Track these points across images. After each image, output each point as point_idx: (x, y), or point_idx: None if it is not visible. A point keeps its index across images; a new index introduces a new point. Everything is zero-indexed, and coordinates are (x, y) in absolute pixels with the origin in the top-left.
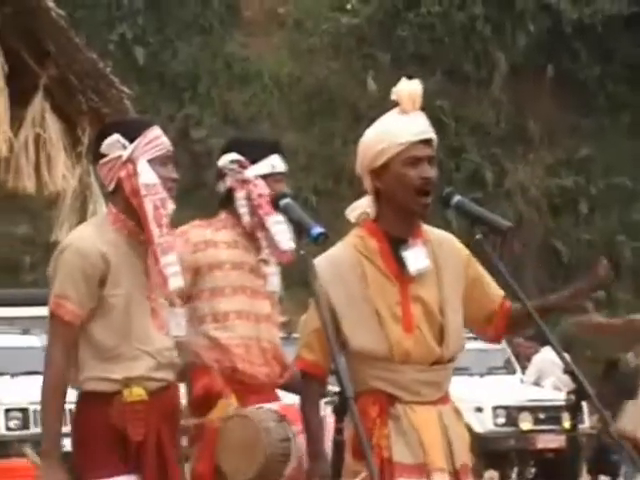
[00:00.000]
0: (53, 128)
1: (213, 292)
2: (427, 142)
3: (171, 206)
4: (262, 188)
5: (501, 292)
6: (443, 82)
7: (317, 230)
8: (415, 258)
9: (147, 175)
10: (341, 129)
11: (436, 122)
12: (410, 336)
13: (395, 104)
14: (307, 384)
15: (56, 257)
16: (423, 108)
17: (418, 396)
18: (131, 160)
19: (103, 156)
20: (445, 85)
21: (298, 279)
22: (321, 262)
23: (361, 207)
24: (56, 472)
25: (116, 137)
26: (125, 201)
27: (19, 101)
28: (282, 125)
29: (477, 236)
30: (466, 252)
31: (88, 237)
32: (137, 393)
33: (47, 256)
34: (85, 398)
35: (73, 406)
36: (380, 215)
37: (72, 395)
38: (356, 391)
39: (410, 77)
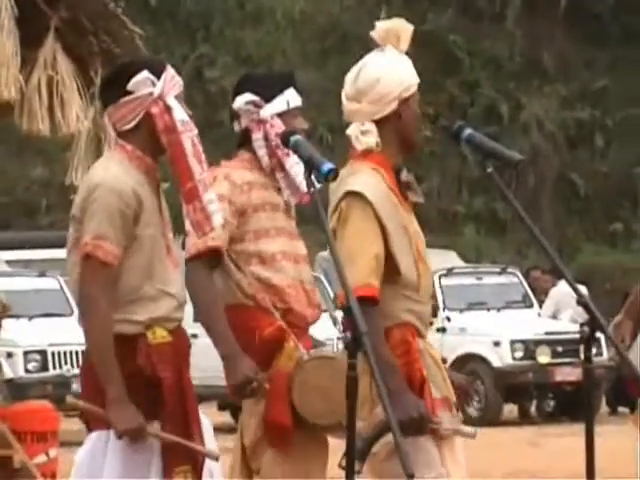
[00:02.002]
0: (65, 70)
1: (257, 234)
2: None
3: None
4: (279, 127)
5: None
6: (456, 17)
7: (327, 166)
8: (415, 188)
9: (180, 111)
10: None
11: (450, 57)
12: (423, 267)
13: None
14: (374, 313)
15: (87, 197)
16: (436, 44)
17: (426, 330)
18: (161, 97)
19: (127, 93)
20: (458, 20)
21: (310, 216)
22: (365, 187)
23: (374, 134)
24: (131, 415)
25: (145, 74)
26: (147, 139)
27: (30, 44)
28: (296, 63)
29: (488, 169)
30: None
31: (118, 174)
32: (161, 335)
33: (63, 199)
34: None
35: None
36: (383, 144)
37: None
38: (389, 325)
39: (424, 12)
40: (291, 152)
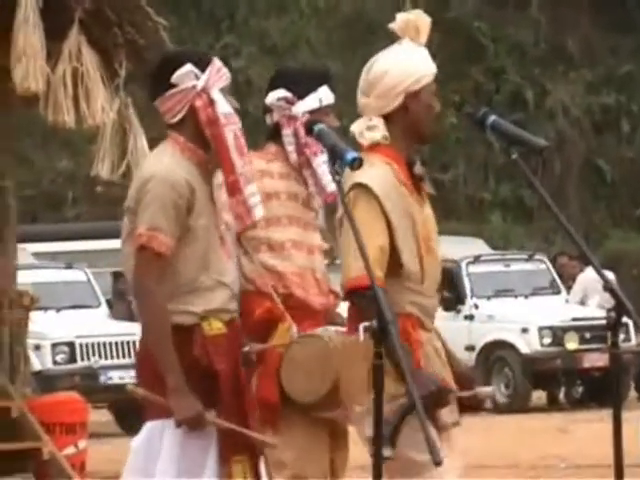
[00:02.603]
0: (90, 61)
1: (269, 221)
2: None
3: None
4: None
5: None
6: (481, 4)
7: (352, 155)
8: (427, 181)
9: (223, 104)
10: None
11: (475, 44)
12: (429, 259)
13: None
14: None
15: (140, 189)
16: (461, 31)
17: (431, 323)
18: (205, 90)
19: (171, 86)
20: (483, 7)
21: (332, 206)
22: (373, 180)
23: (381, 129)
24: (191, 404)
25: (189, 67)
26: (195, 131)
27: (55, 36)
28: (321, 53)
29: (513, 156)
30: None
31: (171, 166)
32: (217, 326)
33: (89, 190)
34: None
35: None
36: (393, 139)
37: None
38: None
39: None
40: (319, 151)
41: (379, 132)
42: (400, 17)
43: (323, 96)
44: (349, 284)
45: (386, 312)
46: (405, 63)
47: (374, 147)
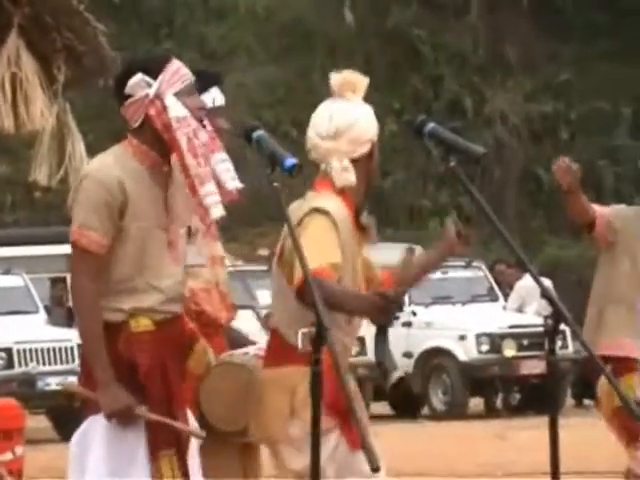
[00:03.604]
0: (29, 66)
1: None
2: None
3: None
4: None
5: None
6: (420, 11)
7: (290, 161)
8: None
9: (176, 108)
10: (319, 61)
11: (414, 52)
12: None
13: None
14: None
15: (76, 187)
16: (400, 38)
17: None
18: (158, 96)
19: (128, 97)
20: (422, 14)
21: (273, 213)
22: (332, 208)
23: (352, 172)
24: (118, 396)
25: (139, 76)
26: (153, 135)
27: None
28: (259, 59)
29: (451, 163)
30: None
31: (107, 166)
32: (144, 323)
33: (28, 196)
34: None
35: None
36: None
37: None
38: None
39: (388, 7)
40: (217, 149)
41: (352, 176)
42: (335, 77)
43: (215, 96)
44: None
45: (325, 319)
46: (369, 114)
47: (331, 186)
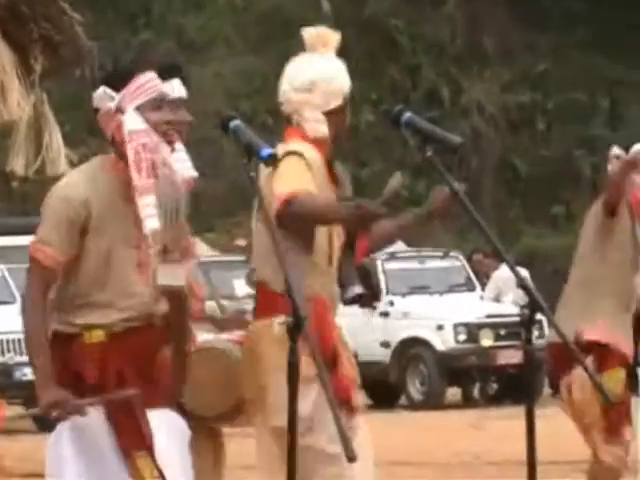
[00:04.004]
0: (5, 56)
1: None
2: None
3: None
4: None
5: None
6: (397, 1)
7: (267, 151)
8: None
9: (132, 122)
10: (296, 50)
11: (391, 41)
12: (337, 244)
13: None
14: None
15: (45, 202)
16: (378, 28)
17: (335, 308)
18: (120, 110)
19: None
20: (399, 4)
21: (250, 203)
22: (307, 152)
23: (325, 124)
24: (54, 391)
25: (102, 90)
26: (120, 150)
27: None
28: (238, 48)
29: (427, 153)
30: None
31: (74, 184)
32: (96, 335)
33: (5, 186)
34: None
35: None
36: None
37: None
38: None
39: None
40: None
41: (325, 128)
42: (308, 32)
43: (175, 87)
44: (285, 195)
45: (302, 307)
46: (343, 69)
47: (304, 136)
